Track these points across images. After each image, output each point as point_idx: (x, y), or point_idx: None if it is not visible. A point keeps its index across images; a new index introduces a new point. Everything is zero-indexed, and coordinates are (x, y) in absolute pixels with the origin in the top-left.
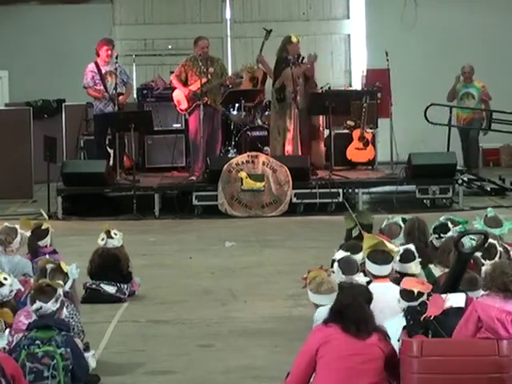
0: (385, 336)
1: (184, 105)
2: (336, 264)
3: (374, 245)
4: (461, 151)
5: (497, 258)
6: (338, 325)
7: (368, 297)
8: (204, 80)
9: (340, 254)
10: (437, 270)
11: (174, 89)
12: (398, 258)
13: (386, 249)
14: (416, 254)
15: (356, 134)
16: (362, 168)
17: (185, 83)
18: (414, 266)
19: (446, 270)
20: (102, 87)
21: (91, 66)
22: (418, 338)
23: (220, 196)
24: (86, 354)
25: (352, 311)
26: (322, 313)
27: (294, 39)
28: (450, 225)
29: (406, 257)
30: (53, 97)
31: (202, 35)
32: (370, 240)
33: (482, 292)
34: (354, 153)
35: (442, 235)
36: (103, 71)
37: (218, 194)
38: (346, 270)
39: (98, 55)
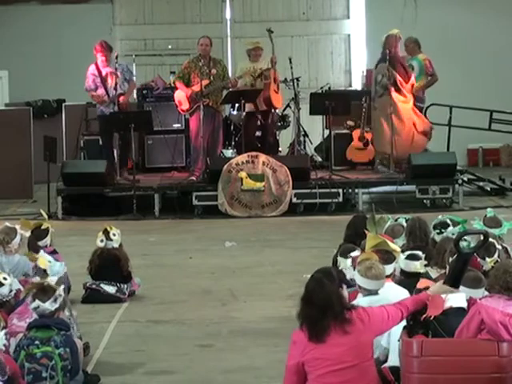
0: (349, 322)
1: (185, 105)
2: (349, 261)
3: (377, 244)
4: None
5: (496, 256)
6: (305, 331)
7: (340, 279)
8: (206, 81)
9: (355, 253)
10: (433, 272)
11: (175, 89)
12: (403, 256)
13: (388, 249)
14: (422, 256)
15: (356, 133)
16: (362, 168)
17: (187, 84)
18: (420, 265)
19: (443, 271)
20: (103, 90)
21: (92, 69)
22: (418, 338)
23: (220, 196)
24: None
25: (316, 296)
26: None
27: (393, 31)
28: (449, 221)
29: (413, 256)
30: (53, 97)
31: (202, 35)
32: (372, 240)
33: (484, 292)
34: (354, 153)
35: (442, 230)
36: (104, 73)
37: (218, 193)
38: None
39: (97, 58)
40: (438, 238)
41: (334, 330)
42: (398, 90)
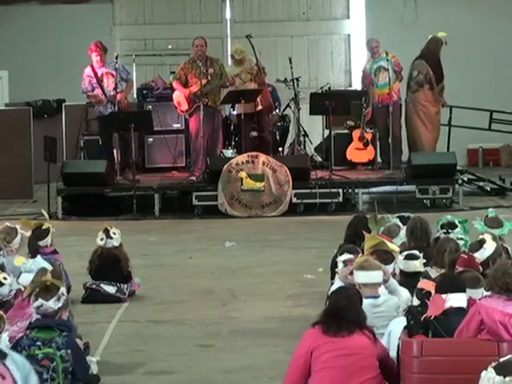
0: (372, 335)
1: (184, 106)
2: (341, 265)
3: (376, 245)
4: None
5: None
6: (320, 327)
7: (360, 297)
8: (204, 81)
9: (345, 257)
10: (433, 271)
11: (174, 90)
12: (402, 257)
13: (387, 249)
14: (420, 255)
15: (356, 134)
16: (362, 168)
17: (185, 85)
18: (419, 264)
19: (442, 270)
20: (99, 91)
21: (87, 71)
22: (418, 338)
23: (220, 196)
24: (89, 358)
25: (347, 312)
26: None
27: (441, 34)
28: (457, 223)
29: (411, 256)
30: (53, 97)
31: (202, 35)
32: (371, 240)
33: (483, 292)
34: (354, 153)
35: (449, 231)
36: (99, 74)
37: (218, 194)
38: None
39: (92, 60)
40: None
41: (355, 332)
42: (432, 89)
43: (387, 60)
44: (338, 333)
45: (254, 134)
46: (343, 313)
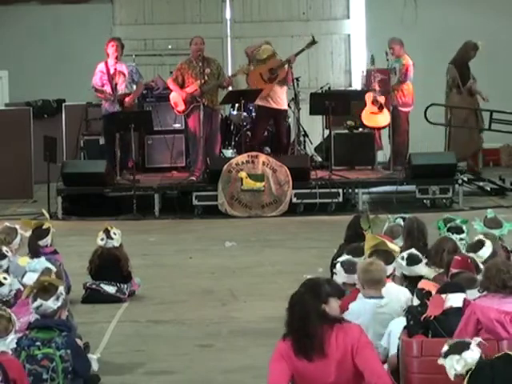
0: (329, 340)
1: (181, 107)
2: (338, 265)
3: (376, 245)
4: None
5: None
6: (290, 344)
7: (326, 291)
8: (202, 81)
9: (343, 257)
10: (431, 271)
11: (171, 91)
12: (404, 262)
13: (387, 249)
14: (421, 256)
15: (369, 97)
16: (362, 168)
17: (182, 86)
18: (423, 267)
19: (441, 270)
20: (109, 88)
21: (100, 67)
22: (418, 338)
23: (220, 196)
24: (89, 356)
25: (296, 314)
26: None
27: (476, 41)
28: (464, 228)
29: (413, 259)
30: (53, 97)
31: (202, 35)
32: (371, 240)
33: (478, 293)
34: (369, 117)
35: (455, 234)
36: (111, 71)
37: (218, 193)
38: (349, 269)
39: (108, 55)
40: None
41: (316, 346)
42: (460, 93)
43: (396, 62)
44: (310, 355)
45: (271, 130)
46: (293, 312)
